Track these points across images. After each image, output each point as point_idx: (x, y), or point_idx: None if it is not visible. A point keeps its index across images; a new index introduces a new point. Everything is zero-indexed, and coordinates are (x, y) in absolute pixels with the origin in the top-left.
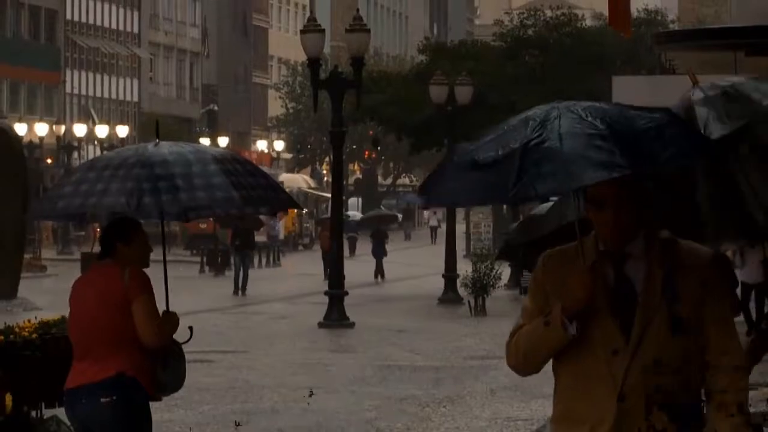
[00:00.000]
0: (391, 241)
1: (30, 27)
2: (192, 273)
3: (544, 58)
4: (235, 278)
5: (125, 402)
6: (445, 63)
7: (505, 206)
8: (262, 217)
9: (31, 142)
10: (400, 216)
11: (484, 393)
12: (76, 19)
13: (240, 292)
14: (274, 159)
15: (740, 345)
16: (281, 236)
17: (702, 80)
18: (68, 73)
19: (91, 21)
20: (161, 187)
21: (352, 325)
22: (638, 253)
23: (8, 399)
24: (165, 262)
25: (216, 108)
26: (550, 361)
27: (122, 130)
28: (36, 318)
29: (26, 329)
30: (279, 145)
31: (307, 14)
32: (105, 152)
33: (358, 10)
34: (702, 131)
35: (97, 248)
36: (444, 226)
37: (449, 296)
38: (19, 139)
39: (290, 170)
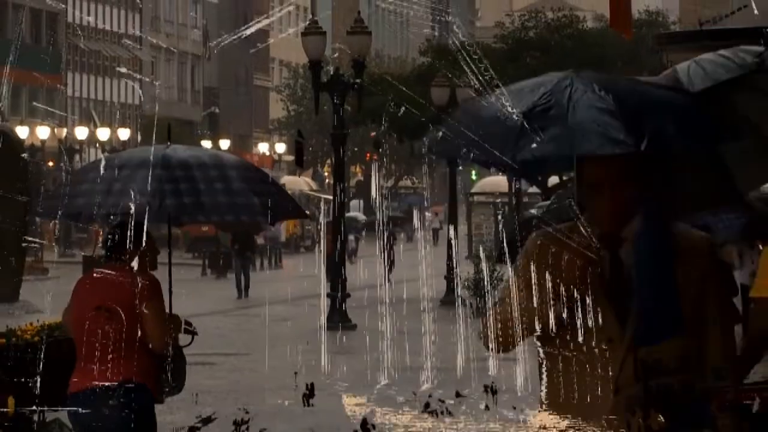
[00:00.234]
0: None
1: (31, 30)
2: (194, 276)
3: (545, 60)
4: (237, 282)
5: (131, 406)
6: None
7: (505, 207)
8: None
9: (32, 145)
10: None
11: (485, 394)
12: (77, 21)
13: (242, 295)
14: (275, 161)
15: (735, 344)
16: (283, 238)
17: None
18: (70, 75)
19: (92, 24)
20: (183, 190)
21: (354, 327)
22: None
23: (10, 402)
24: (170, 265)
25: (217, 110)
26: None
27: (124, 133)
28: (38, 321)
29: (28, 332)
30: (280, 147)
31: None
32: (120, 152)
33: (359, 12)
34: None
35: (99, 251)
36: (445, 228)
37: (451, 298)
38: (20, 142)
39: (292, 172)
